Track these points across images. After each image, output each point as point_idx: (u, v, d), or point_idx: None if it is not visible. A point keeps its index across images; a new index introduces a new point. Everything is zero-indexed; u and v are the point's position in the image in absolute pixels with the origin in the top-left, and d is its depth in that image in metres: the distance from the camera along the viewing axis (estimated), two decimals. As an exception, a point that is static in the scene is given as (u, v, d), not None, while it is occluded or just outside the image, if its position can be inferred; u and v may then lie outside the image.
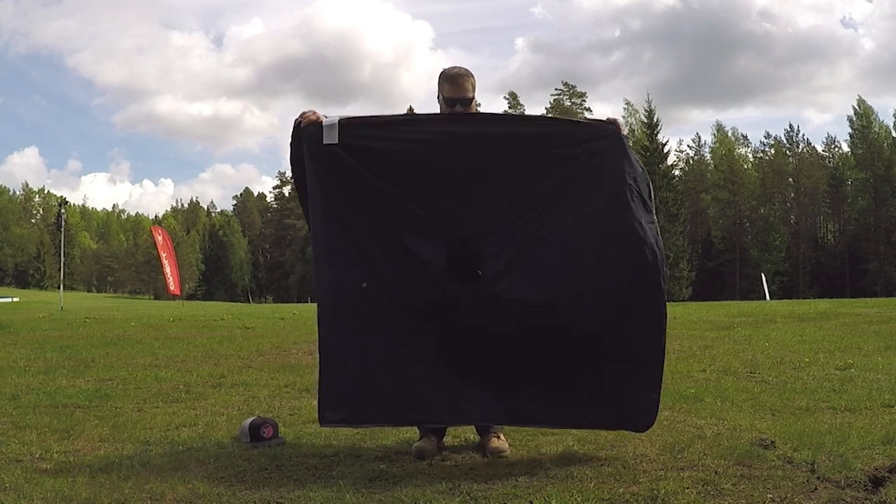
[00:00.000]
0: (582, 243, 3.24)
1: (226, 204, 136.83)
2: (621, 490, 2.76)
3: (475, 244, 3.28)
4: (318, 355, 3.36)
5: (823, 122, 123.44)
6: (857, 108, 62.23)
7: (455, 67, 3.54)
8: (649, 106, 56.41)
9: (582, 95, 68.36)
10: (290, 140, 3.34)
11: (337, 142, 3.25)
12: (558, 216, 3.25)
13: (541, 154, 3.27)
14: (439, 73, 3.54)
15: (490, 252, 3.25)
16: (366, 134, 3.31)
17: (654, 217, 3.26)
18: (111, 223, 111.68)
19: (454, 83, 3.46)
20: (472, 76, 3.52)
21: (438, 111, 3.50)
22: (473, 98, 3.50)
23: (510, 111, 66.00)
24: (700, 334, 9.63)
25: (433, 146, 3.31)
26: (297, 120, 3.32)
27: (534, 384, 3.27)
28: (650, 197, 3.25)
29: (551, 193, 3.26)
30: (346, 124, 3.28)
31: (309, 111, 3.33)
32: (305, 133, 3.30)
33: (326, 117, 3.30)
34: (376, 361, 3.28)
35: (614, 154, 3.24)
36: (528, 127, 3.49)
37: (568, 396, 3.26)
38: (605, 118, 3.37)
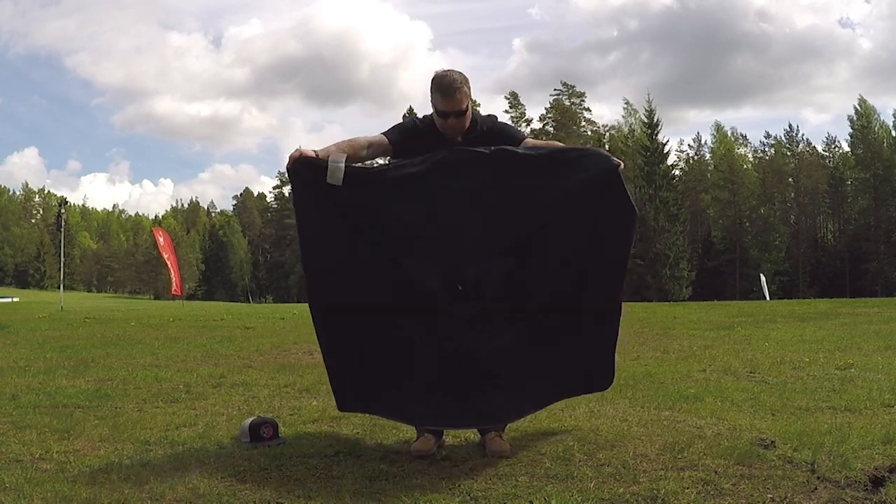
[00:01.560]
0: (574, 258, 3.41)
1: (225, 204, 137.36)
2: (621, 490, 2.76)
3: (475, 272, 3.35)
4: (323, 361, 3.53)
5: (822, 122, 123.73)
6: (858, 107, 62.27)
7: (447, 75, 3.34)
8: (649, 106, 56.44)
9: (581, 95, 68.38)
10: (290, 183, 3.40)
11: (340, 184, 3.24)
12: (556, 237, 3.38)
13: (537, 183, 3.35)
14: (431, 77, 3.38)
15: (490, 278, 3.35)
16: (365, 178, 3.34)
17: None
18: (111, 223, 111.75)
19: (446, 95, 3.30)
20: (466, 83, 3.32)
21: (432, 112, 3.41)
22: (468, 108, 3.35)
23: (510, 111, 66.04)
24: (700, 334, 9.63)
25: (431, 186, 3.33)
26: (287, 165, 3.30)
27: (533, 380, 3.46)
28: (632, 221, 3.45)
29: (548, 217, 3.36)
30: (349, 171, 3.28)
31: (294, 152, 3.29)
32: (302, 171, 3.28)
33: (331, 160, 3.28)
34: (379, 378, 3.44)
35: (609, 188, 3.35)
36: (524, 162, 3.37)
37: (560, 380, 3.55)
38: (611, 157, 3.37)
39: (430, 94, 3.37)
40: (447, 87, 3.30)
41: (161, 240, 33.92)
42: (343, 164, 3.24)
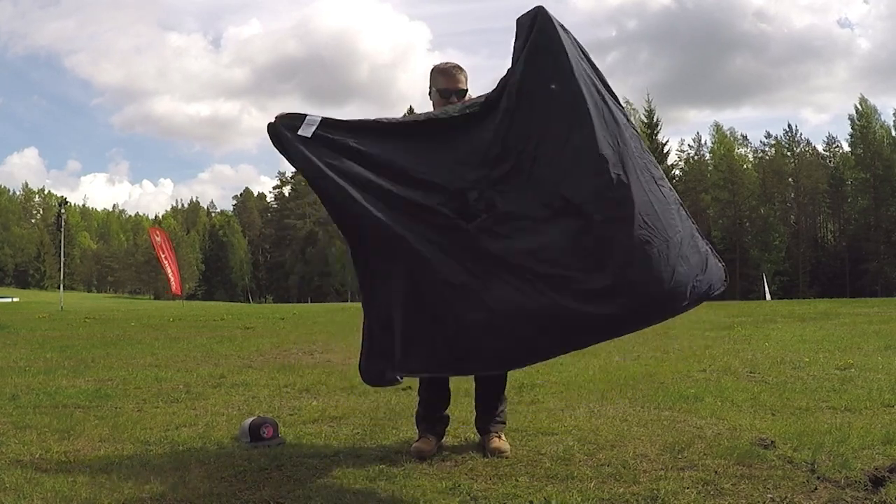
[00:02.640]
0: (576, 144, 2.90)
1: (225, 204, 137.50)
2: (621, 490, 2.76)
3: (481, 193, 2.91)
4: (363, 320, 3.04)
5: (821, 122, 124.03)
6: (858, 107, 62.20)
7: (447, 62, 3.61)
8: (649, 106, 56.48)
9: (581, 95, 68.26)
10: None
11: (310, 136, 2.99)
12: (544, 134, 2.93)
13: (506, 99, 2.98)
14: (430, 68, 3.59)
15: (497, 195, 2.90)
16: (344, 127, 3.07)
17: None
18: (111, 223, 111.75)
19: (448, 75, 3.50)
20: (465, 71, 3.56)
21: (432, 108, 3.46)
22: (467, 90, 3.49)
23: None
24: (700, 334, 9.64)
25: (414, 129, 3.10)
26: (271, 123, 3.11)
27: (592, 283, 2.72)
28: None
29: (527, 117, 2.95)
30: (325, 122, 3.04)
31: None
32: (278, 129, 3.03)
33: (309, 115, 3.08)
34: (414, 315, 2.90)
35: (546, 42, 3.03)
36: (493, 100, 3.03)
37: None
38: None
39: (430, 85, 3.53)
40: (448, 67, 3.52)
41: (158, 239, 33.95)
42: (319, 119, 3.04)
